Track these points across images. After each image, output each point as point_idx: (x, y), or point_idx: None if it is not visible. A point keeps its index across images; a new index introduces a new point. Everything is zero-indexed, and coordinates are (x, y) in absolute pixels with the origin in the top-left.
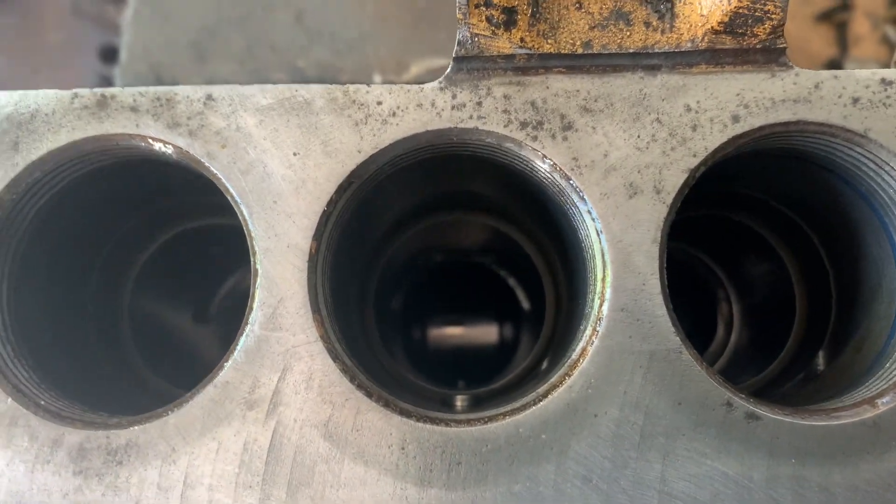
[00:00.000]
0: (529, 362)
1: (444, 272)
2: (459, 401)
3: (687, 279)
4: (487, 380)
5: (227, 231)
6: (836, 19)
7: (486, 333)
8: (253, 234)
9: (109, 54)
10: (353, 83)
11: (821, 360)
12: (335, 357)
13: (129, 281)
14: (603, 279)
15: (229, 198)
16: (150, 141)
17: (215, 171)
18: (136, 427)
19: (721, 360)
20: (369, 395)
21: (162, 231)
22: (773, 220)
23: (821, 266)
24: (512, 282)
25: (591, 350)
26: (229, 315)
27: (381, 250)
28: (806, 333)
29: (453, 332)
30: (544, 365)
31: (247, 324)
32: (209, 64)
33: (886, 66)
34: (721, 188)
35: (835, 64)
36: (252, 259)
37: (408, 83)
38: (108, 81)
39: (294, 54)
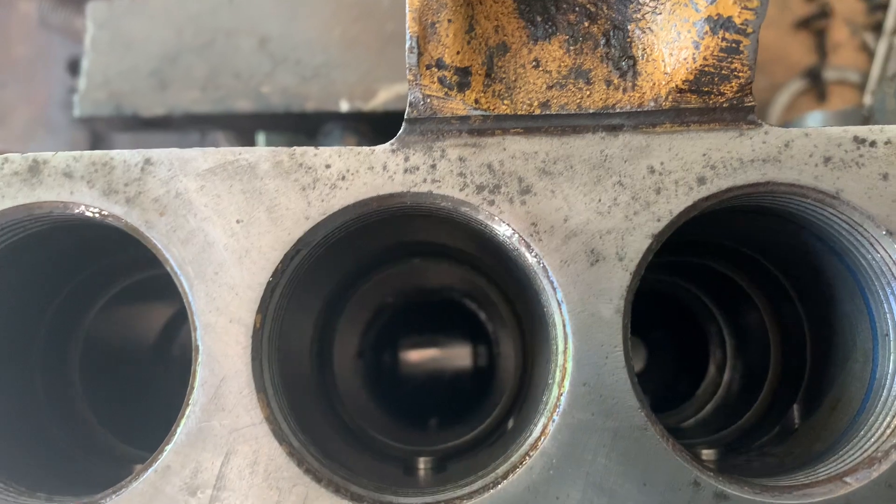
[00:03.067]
0: (496, 416)
1: (406, 320)
2: (423, 463)
3: (679, 313)
4: (454, 430)
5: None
6: (814, 27)
7: (451, 381)
8: (193, 308)
9: (78, 67)
10: (319, 110)
11: (796, 415)
12: (281, 440)
13: (79, 339)
14: (564, 351)
15: (168, 268)
16: (85, 209)
17: (153, 241)
18: None
19: (715, 399)
20: (318, 479)
21: (111, 285)
22: (746, 267)
23: (796, 316)
24: (475, 330)
25: (552, 428)
26: (186, 363)
27: (336, 303)
28: (780, 383)
29: (417, 380)
30: (510, 423)
31: (188, 405)
32: (171, 91)
33: (866, 73)
34: (692, 236)
35: (814, 72)
36: (193, 334)
37: (376, 110)
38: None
39: (258, 81)
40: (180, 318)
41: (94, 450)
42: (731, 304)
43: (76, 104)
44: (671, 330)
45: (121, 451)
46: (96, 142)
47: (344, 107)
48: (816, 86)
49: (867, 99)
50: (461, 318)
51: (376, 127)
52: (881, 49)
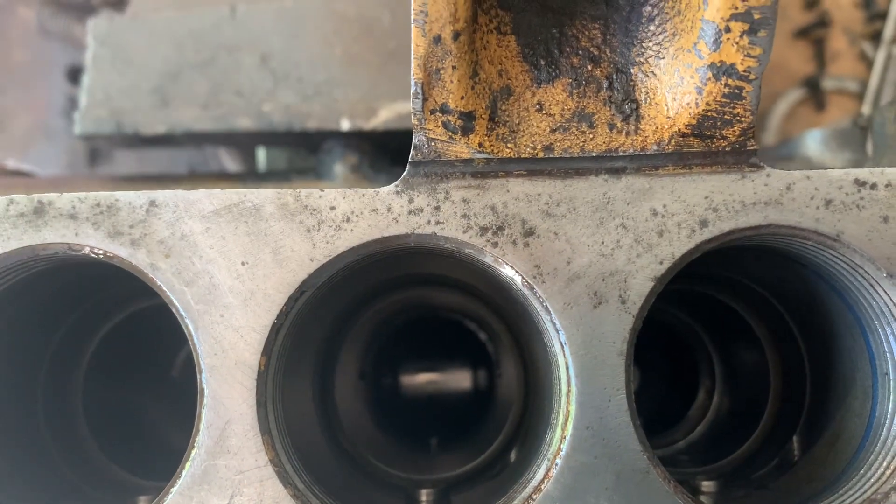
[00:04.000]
0: (498, 446)
1: (408, 347)
2: (425, 495)
3: (668, 339)
4: (455, 456)
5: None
6: (813, 36)
7: (453, 406)
8: (198, 351)
9: (77, 74)
10: (320, 129)
11: (796, 447)
12: (286, 482)
13: (81, 371)
14: (568, 394)
15: (174, 310)
16: (90, 250)
17: (159, 283)
18: None
19: (702, 423)
20: None
21: (112, 315)
22: (750, 300)
23: (797, 349)
24: (478, 359)
25: (554, 471)
26: (189, 390)
27: (340, 333)
28: (780, 414)
29: (418, 405)
30: (513, 455)
31: (193, 446)
32: (172, 109)
33: (865, 83)
34: (698, 269)
35: (813, 81)
36: (198, 377)
37: (376, 129)
38: (75, 101)
39: (260, 98)
40: (183, 346)
41: (98, 481)
42: (728, 332)
43: (77, 122)
44: (662, 353)
45: (127, 482)
46: (95, 153)
47: (345, 125)
48: (815, 95)
49: (865, 109)
50: (463, 345)
51: (377, 145)
52: (880, 58)
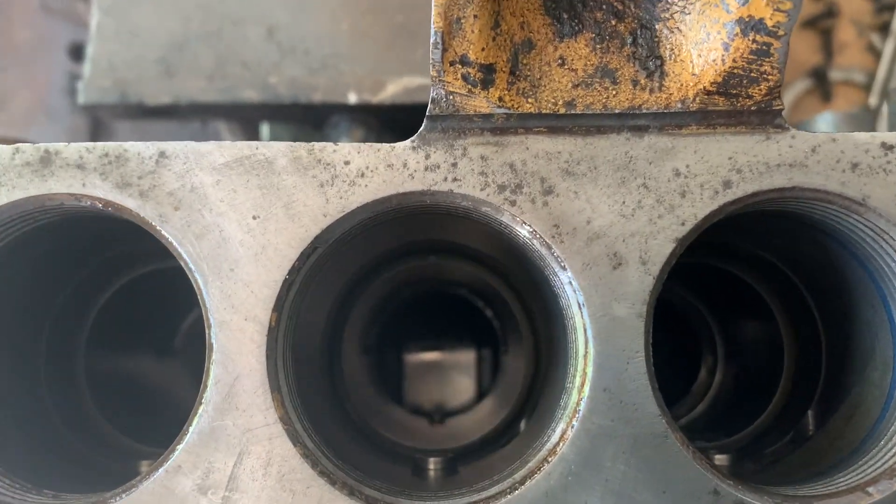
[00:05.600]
0: (507, 416)
1: (419, 317)
2: (433, 464)
3: (670, 317)
4: (463, 428)
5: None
6: (821, 26)
7: (463, 378)
8: (207, 305)
9: (80, 52)
10: (326, 102)
11: (810, 421)
12: (296, 440)
13: (84, 332)
14: (585, 355)
15: (182, 264)
16: (98, 202)
17: (167, 235)
18: None
19: (704, 401)
20: (332, 482)
21: (118, 277)
22: (764, 272)
23: (812, 323)
24: (489, 328)
25: (570, 434)
26: (194, 355)
27: (349, 300)
28: (794, 389)
29: (429, 377)
30: (523, 425)
31: (200, 403)
32: (177, 80)
33: (872, 74)
34: (711, 237)
35: (820, 72)
36: (207, 331)
37: (384, 103)
38: (77, 79)
39: (266, 71)
40: (190, 312)
41: (99, 446)
42: (738, 308)
43: (80, 91)
44: (665, 329)
45: (127, 447)
46: (97, 129)
47: (352, 99)
48: (821, 86)
49: (872, 100)
50: (473, 316)
51: (384, 120)
52: (888, 50)
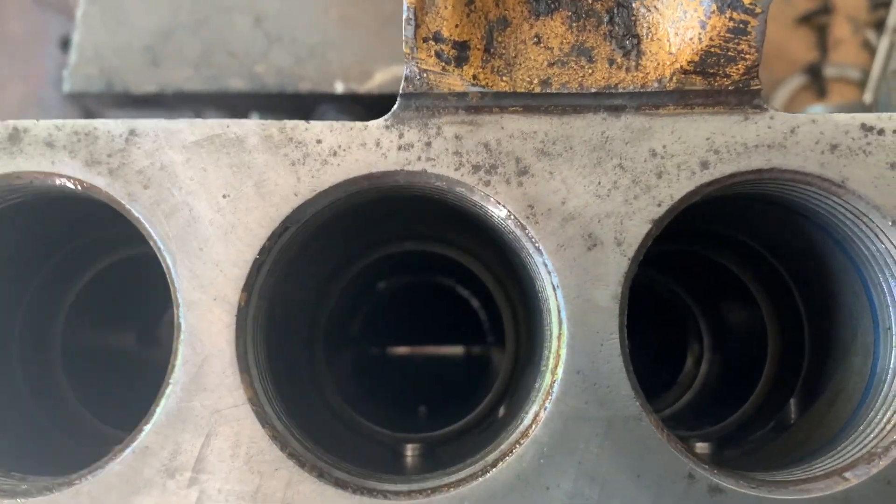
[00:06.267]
0: (487, 403)
1: (398, 305)
2: (410, 450)
3: (656, 306)
4: (443, 417)
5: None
6: (816, 23)
7: (442, 367)
8: (176, 285)
9: (70, 44)
10: (313, 91)
11: (793, 409)
12: (265, 422)
13: (60, 316)
14: (559, 337)
15: (151, 243)
16: (66, 180)
17: (136, 214)
18: (45, 496)
19: (690, 391)
20: (301, 464)
21: (94, 262)
22: (746, 258)
23: (795, 310)
24: (468, 315)
25: (543, 416)
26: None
27: (327, 288)
28: (777, 377)
29: (407, 366)
30: (501, 411)
31: (168, 384)
32: (163, 69)
33: (866, 71)
34: (691, 224)
35: (815, 68)
36: (175, 311)
37: (371, 93)
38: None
39: (253, 60)
40: (165, 299)
41: (72, 429)
42: (721, 297)
43: (66, 79)
44: (649, 319)
45: (100, 432)
46: (87, 118)
47: (339, 88)
48: (816, 82)
49: (867, 97)
50: (454, 305)
51: (371, 109)
52: (882, 47)
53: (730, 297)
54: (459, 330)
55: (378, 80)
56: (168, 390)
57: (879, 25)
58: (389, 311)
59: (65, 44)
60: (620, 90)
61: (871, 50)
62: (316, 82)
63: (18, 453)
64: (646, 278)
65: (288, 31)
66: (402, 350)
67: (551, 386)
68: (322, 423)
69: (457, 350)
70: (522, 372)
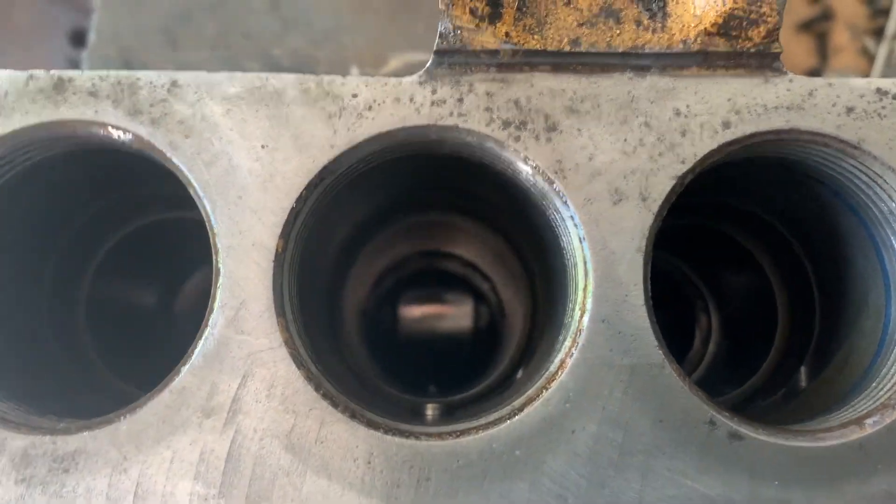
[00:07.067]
0: (504, 369)
1: (419, 272)
2: (430, 409)
3: (665, 287)
4: (461, 385)
5: (195, 224)
6: (816, 29)
7: (461, 335)
8: (215, 231)
9: (79, 37)
10: (329, 74)
11: (803, 376)
12: (300, 364)
13: (88, 274)
14: (584, 288)
15: (191, 191)
16: (110, 129)
17: (177, 163)
18: (85, 433)
19: (698, 370)
20: (335, 405)
21: (125, 222)
22: (756, 230)
23: (804, 279)
24: (487, 284)
25: (569, 362)
26: (196, 310)
27: (352, 249)
28: (788, 347)
29: (426, 333)
30: (519, 374)
31: (206, 325)
32: (180, 50)
33: (866, 77)
34: (704, 197)
35: (815, 74)
36: (214, 257)
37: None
38: (76, 65)
39: (268, 42)
40: (189, 264)
41: (98, 388)
42: (729, 272)
43: (84, 60)
44: (657, 300)
45: (126, 393)
46: None
47: (354, 72)
48: None
49: None
50: (471, 275)
51: None
52: (882, 54)
53: (738, 272)
54: (477, 300)
55: (392, 66)
56: (206, 332)
57: (879, 33)
58: (408, 280)
59: (74, 37)
60: (647, 51)
61: (870, 57)
62: (331, 66)
63: (53, 401)
64: (655, 259)
65: (304, 15)
66: (416, 320)
67: (577, 335)
68: (344, 380)
69: (472, 322)
70: (539, 341)
